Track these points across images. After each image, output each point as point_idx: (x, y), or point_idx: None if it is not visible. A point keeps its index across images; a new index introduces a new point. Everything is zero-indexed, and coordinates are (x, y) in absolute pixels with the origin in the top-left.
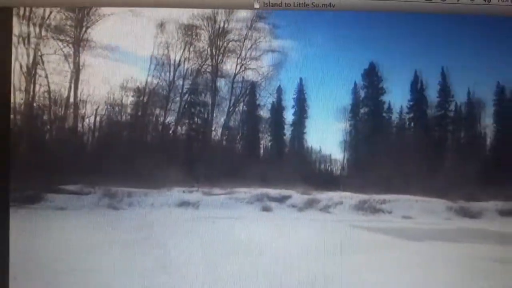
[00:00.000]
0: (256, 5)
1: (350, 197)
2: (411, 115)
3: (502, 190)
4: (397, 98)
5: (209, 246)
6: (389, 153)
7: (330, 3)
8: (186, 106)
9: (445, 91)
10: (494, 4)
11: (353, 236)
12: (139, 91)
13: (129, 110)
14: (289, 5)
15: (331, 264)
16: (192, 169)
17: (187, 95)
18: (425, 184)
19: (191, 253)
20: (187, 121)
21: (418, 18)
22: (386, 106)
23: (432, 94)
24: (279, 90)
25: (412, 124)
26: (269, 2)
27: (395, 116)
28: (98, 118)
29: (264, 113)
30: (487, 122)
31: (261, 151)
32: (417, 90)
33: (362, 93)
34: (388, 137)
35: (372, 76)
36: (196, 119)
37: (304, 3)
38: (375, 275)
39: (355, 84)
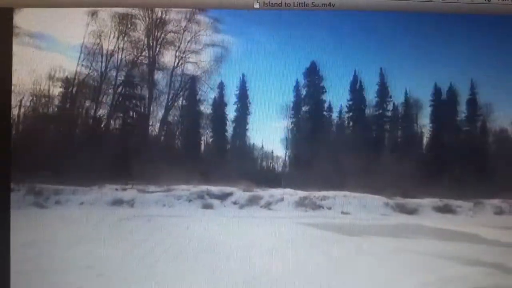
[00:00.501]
0: (256, 5)
1: (291, 194)
2: (350, 114)
3: (437, 188)
4: (337, 97)
5: (145, 245)
6: (329, 151)
7: (330, 3)
8: (120, 99)
9: (383, 91)
10: (495, 3)
11: (295, 232)
12: (67, 82)
13: (56, 102)
14: (289, 5)
15: (273, 261)
16: (127, 165)
17: (121, 87)
18: (364, 181)
19: (125, 253)
20: (121, 115)
21: (358, 17)
22: (326, 105)
23: (371, 94)
24: (221, 86)
25: (351, 123)
26: (269, 2)
27: (335, 115)
28: (22, 110)
29: (205, 108)
30: (424, 122)
31: (202, 147)
32: (356, 89)
33: (303, 91)
34: (328, 135)
35: (313, 75)
36: (131, 113)
37: (304, 2)
38: (316, 270)
39: (297, 82)
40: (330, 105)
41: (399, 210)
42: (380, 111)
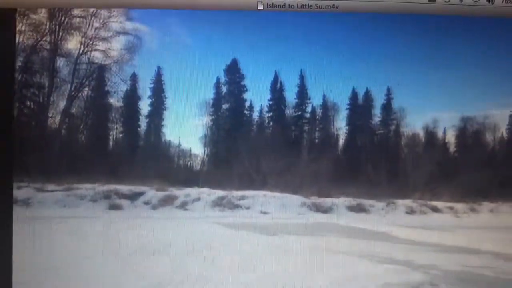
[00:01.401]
0: (260, 7)
1: (208, 193)
2: (271, 114)
3: (351, 188)
4: (258, 97)
5: (42, 249)
6: (249, 150)
7: (333, 5)
8: (16, 86)
9: (302, 93)
10: (498, 5)
11: (211, 232)
12: None
13: None
14: (292, 6)
15: (188, 262)
16: (22, 161)
17: (18, 74)
18: (282, 180)
19: (20, 258)
20: (16, 104)
21: (282, 18)
22: (247, 103)
23: (291, 95)
24: (134, 77)
25: (271, 123)
26: (273, 3)
27: (255, 114)
28: None
29: (115, 101)
30: (340, 125)
31: (110, 143)
32: (277, 90)
33: (224, 89)
34: (248, 134)
35: (234, 73)
36: (28, 103)
37: (308, 4)
38: (233, 270)
39: (218, 79)
40: (251, 104)
41: (315, 209)
42: (299, 112)
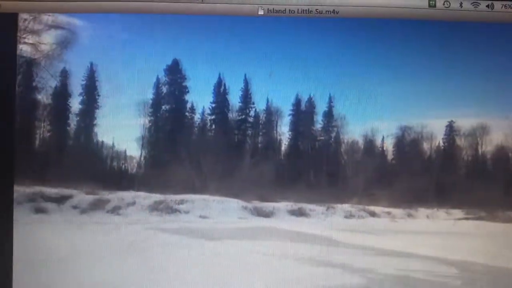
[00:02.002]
0: (260, 12)
1: (144, 197)
2: (213, 117)
3: (292, 192)
4: (200, 99)
5: None
6: (190, 153)
7: (334, 10)
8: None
9: (246, 97)
10: (498, 11)
11: (147, 238)
12: None
13: None
14: (292, 11)
15: (121, 269)
16: None
17: None
18: (223, 184)
19: None
20: None
21: (227, 20)
22: (189, 105)
23: (234, 99)
24: (64, 73)
25: (213, 126)
26: (273, 9)
27: (197, 117)
28: None
29: (43, 97)
30: (283, 130)
31: (36, 142)
32: (220, 93)
33: (164, 89)
34: (189, 137)
35: (175, 73)
36: None
37: (308, 9)
38: (170, 275)
39: (157, 79)
40: (192, 106)
41: (257, 213)
42: (243, 116)
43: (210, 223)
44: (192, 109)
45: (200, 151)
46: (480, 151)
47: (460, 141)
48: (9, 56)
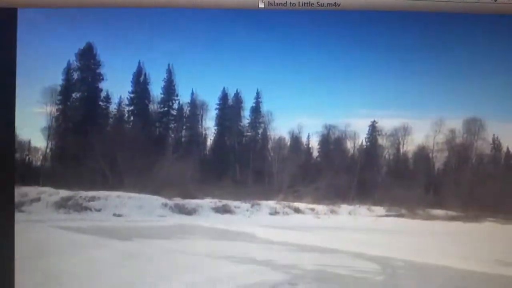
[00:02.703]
0: (261, 5)
1: (50, 194)
2: (132, 108)
3: (217, 189)
4: (117, 88)
5: None
6: (103, 146)
7: (335, 3)
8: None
9: (170, 89)
10: (501, 2)
11: (53, 237)
12: None
13: None
14: (294, 4)
15: (24, 272)
16: None
17: None
18: (141, 180)
19: None
20: None
21: (149, 10)
22: (103, 94)
23: (156, 90)
24: None
25: (132, 117)
26: (274, 1)
27: (113, 107)
28: None
29: None
30: (209, 124)
31: None
32: (140, 82)
33: (75, 75)
34: (103, 128)
35: (89, 58)
36: None
37: (309, 2)
38: (80, 278)
39: (68, 64)
40: (108, 95)
41: (178, 211)
42: (165, 108)
43: (125, 222)
44: (107, 98)
45: (116, 143)
46: (401, 150)
47: (382, 141)
48: (8, 50)
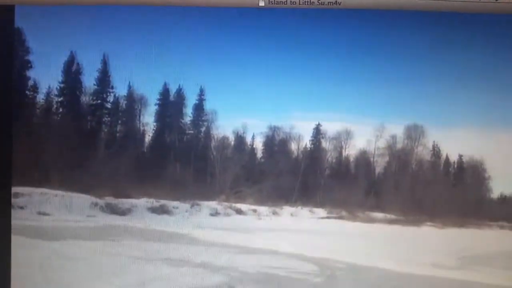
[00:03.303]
0: (261, 3)
1: None
2: (61, 99)
3: (154, 188)
4: (45, 77)
5: None
6: (27, 138)
7: (336, 1)
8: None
9: (104, 80)
10: (503, 2)
11: None
12: None
13: None
14: (294, 2)
15: None
16: None
17: None
18: (68, 176)
19: None
20: None
21: None
22: (30, 83)
23: (89, 81)
24: None
25: (61, 109)
26: (274, 0)
27: (40, 97)
28: None
29: None
30: (147, 120)
31: None
32: (72, 72)
33: None
34: (28, 120)
35: (16, 45)
36: None
37: (310, 1)
38: None
39: None
40: (35, 83)
41: (110, 211)
42: (99, 101)
43: (52, 221)
44: (35, 88)
45: (41, 136)
46: (343, 154)
47: (326, 144)
48: (6, 49)
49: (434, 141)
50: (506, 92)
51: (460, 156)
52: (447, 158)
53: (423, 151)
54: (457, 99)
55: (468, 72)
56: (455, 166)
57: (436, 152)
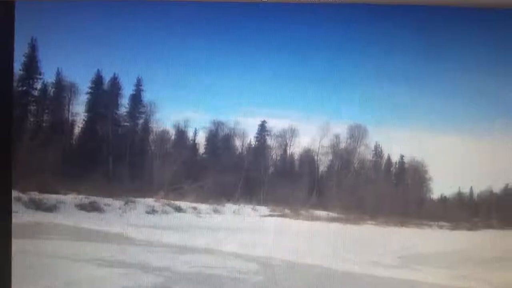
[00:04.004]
0: None
1: None
2: None
3: (84, 183)
4: None
5: None
6: None
7: None
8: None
9: (31, 66)
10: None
11: None
12: None
13: None
14: None
15: None
16: None
17: None
18: None
19: None
20: None
21: None
22: None
23: (15, 66)
24: None
25: None
26: None
27: None
28: None
29: None
30: (78, 109)
31: None
32: None
33: None
34: None
35: None
36: None
37: None
38: None
39: None
40: None
41: (35, 206)
42: (25, 87)
43: None
44: None
45: None
46: (288, 152)
47: (271, 141)
48: (5, 45)
49: (376, 141)
50: (447, 96)
51: (402, 156)
52: (388, 159)
53: (365, 151)
54: (400, 101)
55: (411, 77)
56: (397, 166)
57: (378, 152)
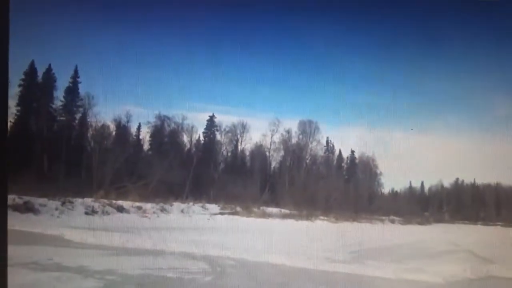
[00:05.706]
0: None
1: None
2: None
3: (15, 183)
4: None
5: None
6: None
7: None
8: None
9: None
10: None
11: None
12: None
13: None
14: None
15: None
16: None
17: None
18: None
19: None
20: None
21: None
22: None
23: None
24: None
25: None
26: None
27: None
28: None
29: None
30: (9, 104)
31: None
32: None
33: None
34: None
35: None
36: None
37: None
38: None
39: None
40: None
41: None
42: None
43: None
44: None
45: None
46: (239, 147)
47: (221, 137)
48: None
49: (328, 137)
50: (396, 93)
51: (352, 151)
52: (340, 154)
53: (317, 147)
54: (350, 97)
55: (363, 73)
56: (348, 161)
57: (330, 147)
